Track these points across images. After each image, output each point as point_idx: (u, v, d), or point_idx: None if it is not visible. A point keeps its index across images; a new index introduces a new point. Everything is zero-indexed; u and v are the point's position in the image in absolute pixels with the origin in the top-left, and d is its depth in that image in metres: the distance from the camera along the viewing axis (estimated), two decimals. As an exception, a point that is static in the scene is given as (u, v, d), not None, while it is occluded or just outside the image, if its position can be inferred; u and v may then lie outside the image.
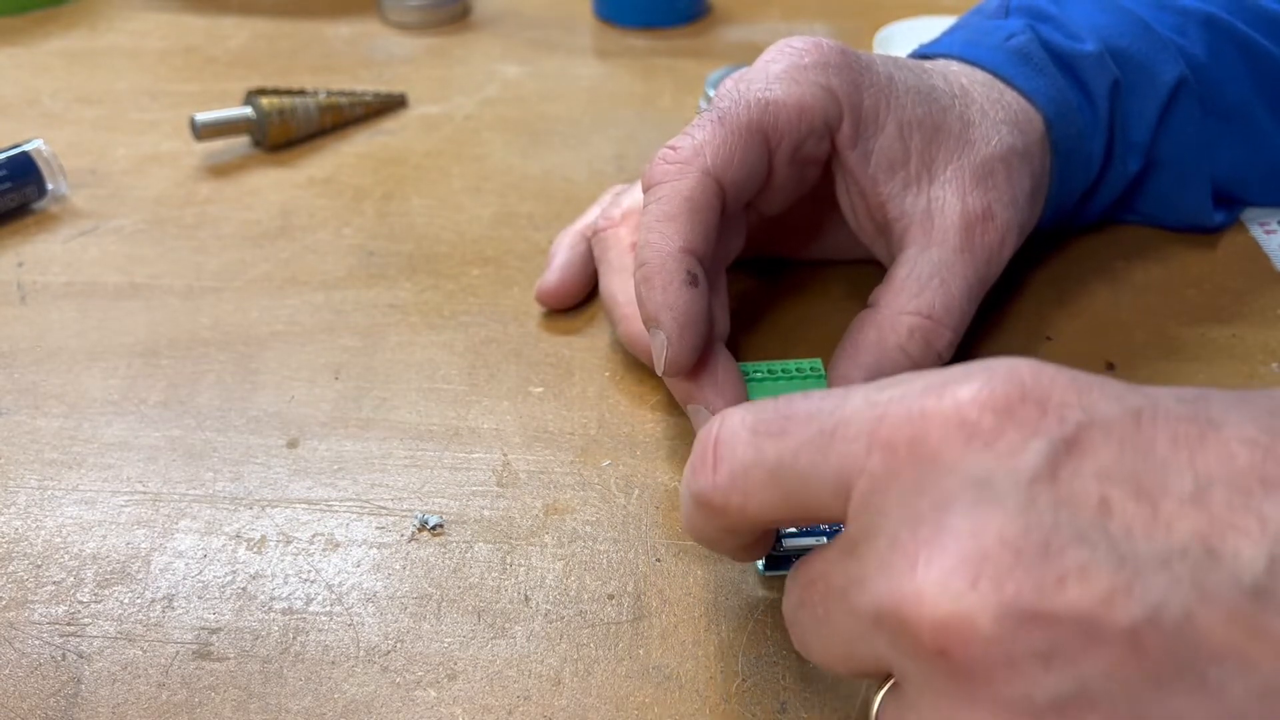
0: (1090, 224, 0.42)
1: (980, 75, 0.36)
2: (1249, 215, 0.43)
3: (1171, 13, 0.39)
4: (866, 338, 0.32)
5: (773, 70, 0.32)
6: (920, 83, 0.34)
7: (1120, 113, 0.38)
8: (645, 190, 0.31)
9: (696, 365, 0.30)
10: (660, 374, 0.30)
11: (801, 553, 0.28)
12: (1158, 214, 0.42)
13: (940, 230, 0.33)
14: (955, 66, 0.37)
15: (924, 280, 0.32)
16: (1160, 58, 0.38)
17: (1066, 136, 0.36)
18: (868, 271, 0.41)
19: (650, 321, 0.30)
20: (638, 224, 0.33)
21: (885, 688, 0.22)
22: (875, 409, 0.20)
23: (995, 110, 0.35)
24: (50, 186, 0.46)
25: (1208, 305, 0.39)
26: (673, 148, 0.31)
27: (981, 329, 0.38)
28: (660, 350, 0.30)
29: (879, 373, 0.31)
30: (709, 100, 0.53)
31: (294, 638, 0.28)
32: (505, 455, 0.34)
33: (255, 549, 0.31)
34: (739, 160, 0.31)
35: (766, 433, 0.22)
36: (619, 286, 0.36)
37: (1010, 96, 0.36)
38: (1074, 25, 0.38)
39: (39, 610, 0.29)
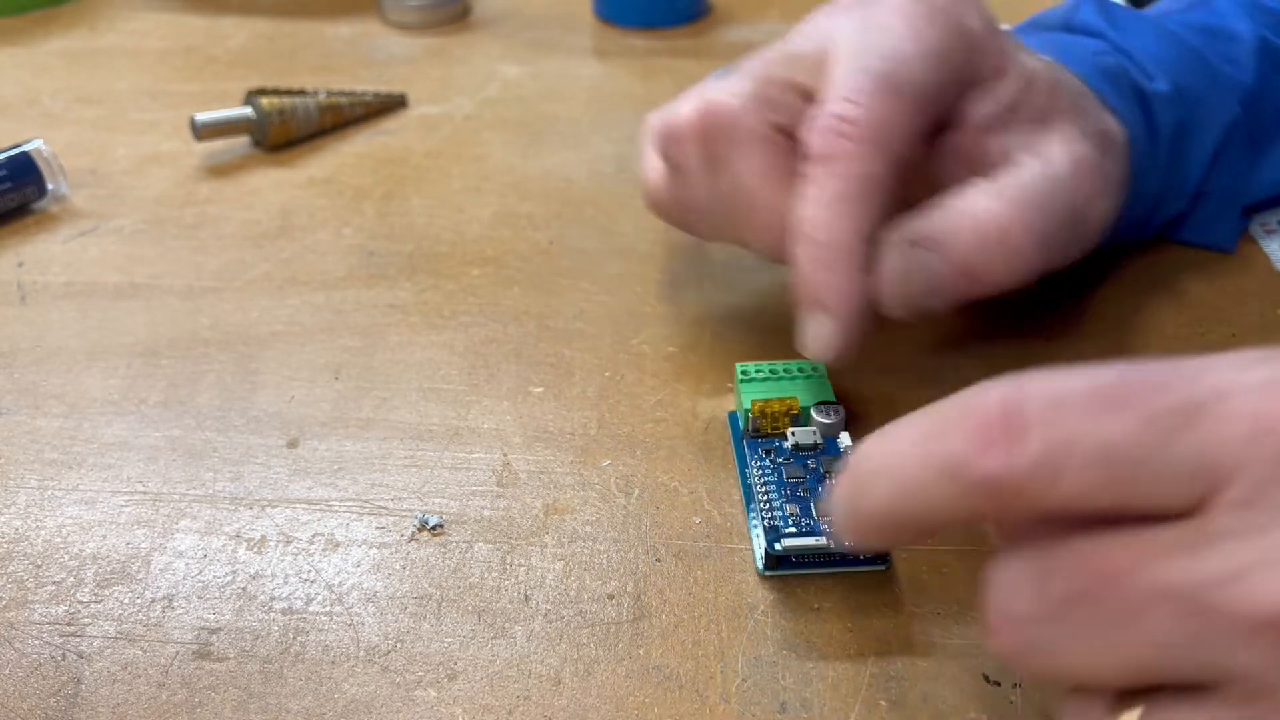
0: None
1: (1074, 74, 0.34)
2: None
3: (1224, 40, 0.38)
4: (935, 223, 0.29)
5: (909, 11, 0.30)
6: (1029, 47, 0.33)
7: (1177, 157, 0.37)
8: (815, 159, 0.29)
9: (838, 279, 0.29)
10: (814, 356, 0.30)
11: (800, 552, 0.28)
12: (1184, 238, 0.41)
13: (1048, 157, 0.30)
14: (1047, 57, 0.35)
15: (1028, 181, 0.30)
16: (1218, 98, 0.37)
17: (1133, 172, 0.35)
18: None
19: (819, 306, 0.29)
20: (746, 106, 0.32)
21: (1136, 711, 0.19)
22: (1259, 391, 0.18)
23: (1095, 102, 0.34)
24: (50, 186, 0.46)
25: (1207, 305, 0.39)
26: (846, 118, 0.29)
27: (982, 329, 0.38)
28: (823, 335, 0.29)
29: (956, 245, 0.29)
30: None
31: (294, 638, 0.28)
32: (505, 455, 0.34)
33: (255, 549, 0.31)
34: (913, 134, 0.30)
35: (1101, 401, 0.18)
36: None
37: (1102, 106, 0.34)
38: (1142, 58, 0.37)
39: (39, 610, 0.29)
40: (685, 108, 0.33)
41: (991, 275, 0.29)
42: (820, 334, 0.29)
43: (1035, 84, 0.31)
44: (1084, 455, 0.18)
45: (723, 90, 0.32)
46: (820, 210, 0.29)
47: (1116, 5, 0.39)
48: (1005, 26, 0.41)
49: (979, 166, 0.31)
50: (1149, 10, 0.42)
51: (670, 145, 0.34)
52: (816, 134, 0.29)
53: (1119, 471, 0.18)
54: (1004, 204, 0.29)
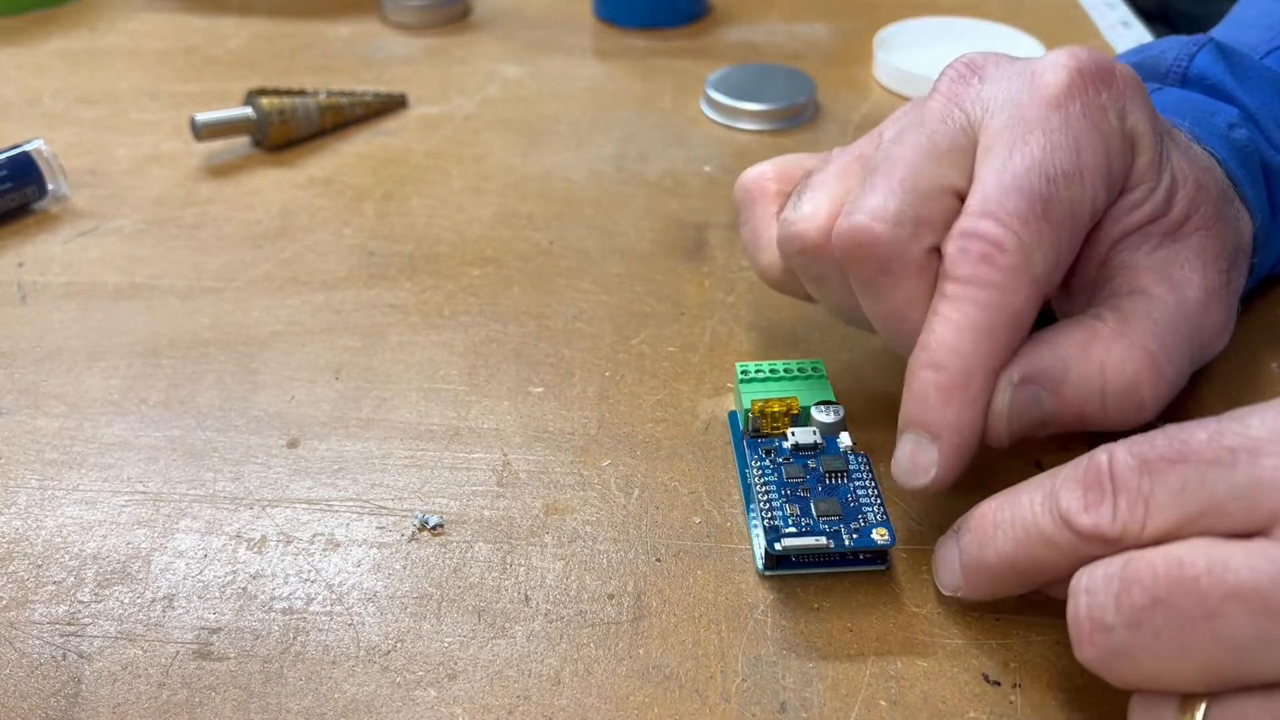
0: None
1: (1213, 157, 0.32)
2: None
3: None
4: (1046, 361, 0.28)
5: (1073, 111, 0.28)
6: (1175, 129, 0.31)
7: (1266, 199, 0.35)
8: (955, 280, 0.27)
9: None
10: (903, 479, 0.28)
11: (800, 552, 0.28)
12: None
13: (1179, 286, 0.29)
14: (1186, 132, 0.32)
15: (1163, 326, 0.28)
16: (1269, 121, 0.35)
17: (1261, 264, 0.34)
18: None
19: (928, 432, 0.27)
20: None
21: (1201, 709, 0.21)
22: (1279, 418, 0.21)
23: (1233, 198, 0.32)
24: (51, 187, 0.46)
25: (1207, 305, 0.39)
26: (995, 244, 0.26)
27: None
28: (923, 460, 0.28)
29: (1074, 389, 0.28)
30: (709, 101, 0.53)
31: (294, 637, 0.28)
32: (505, 455, 0.34)
33: (255, 549, 0.31)
34: (1064, 262, 0.28)
35: (1162, 459, 0.22)
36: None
37: (1236, 197, 0.32)
38: (1268, 122, 0.35)
39: (39, 610, 0.29)
40: (818, 217, 0.30)
41: (1109, 423, 0.28)
42: (920, 458, 0.28)
43: (1179, 193, 0.29)
44: (1161, 500, 0.22)
45: (872, 214, 0.28)
46: (954, 336, 0.27)
47: (1233, 50, 0.36)
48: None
49: (1105, 279, 0.30)
50: (1242, 32, 0.39)
51: (799, 258, 0.31)
52: (959, 253, 0.27)
53: (1189, 510, 0.22)
54: (1139, 354, 0.28)
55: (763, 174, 0.34)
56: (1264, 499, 0.21)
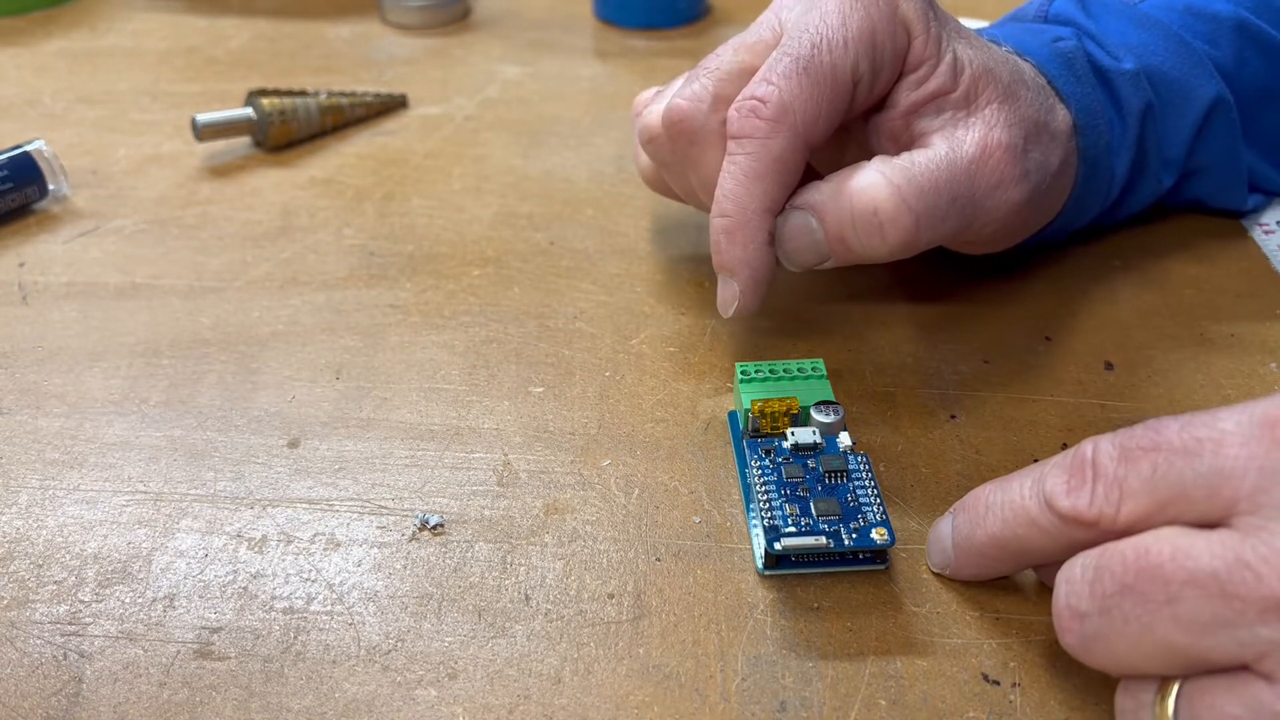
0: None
1: (1029, 64, 0.36)
2: (1248, 216, 0.44)
3: (1204, 20, 0.40)
4: (822, 193, 0.32)
5: (847, 1, 0.32)
6: (978, 35, 0.35)
7: (1153, 133, 0.38)
8: (732, 137, 0.32)
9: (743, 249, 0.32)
10: (725, 313, 0.34)
11: (799, 552, 0.28)
12: (1189, 206, 0.43)
13: (958, 140, 0.32)
14: (1009, 49, 0.37)
15: (920, 166, 0.32)
16: (1196, 75, 0.38)
17: (1093, 146, 0.36)
18: (868, 271, 0.41)
19: (725, 271, 0.33)
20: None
21: (1174, 690, 0.23)
22: (1251, 415, 0.22)
23: (1042, 93, 0.35)
24: (51, 187, 0.46)
25: (1206, 305, 0.39)
26: (761, 99, 0.31)
27: (981, 329, 0.38)
28: (731, 297, 0.33)
29: (832, 215, 0.32)
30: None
31: (295, 637, 0.28)
32: (505, 455, 0.34)
33: (256, 548, 0.31)
34: (825, 115, 0.32)
35: (1138, 448, 0.24)
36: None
37: (1052, 94, 0.36)
38: (1112, 42, 0.38)
39: (40, 609, 0.29)
40: (656, 110, 0.36)
41: (860, 247, 0.32)
42: (726, 294, 0.33)
43: (964, 72, 0.33)
44: (1133, 487, 0.23)
45: (684, 95, 0.34)
46: (731, 185, 0.32)
47: None
48: (981, 24, 0.42)
49: (902, 147, 0.34)
50: None
51: (647, 144, 0.37)
52: (734, 113, 0.32)
53: (1159, 496, 0.23)
54: (883, 181, 0.31)
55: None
56: (1225, 486, 0.22)
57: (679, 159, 0.36)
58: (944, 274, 0.41)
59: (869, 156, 0.33)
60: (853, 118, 0.34)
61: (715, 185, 0.34)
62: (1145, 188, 0.40)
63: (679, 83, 0.37)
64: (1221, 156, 0.40)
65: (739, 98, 0.32)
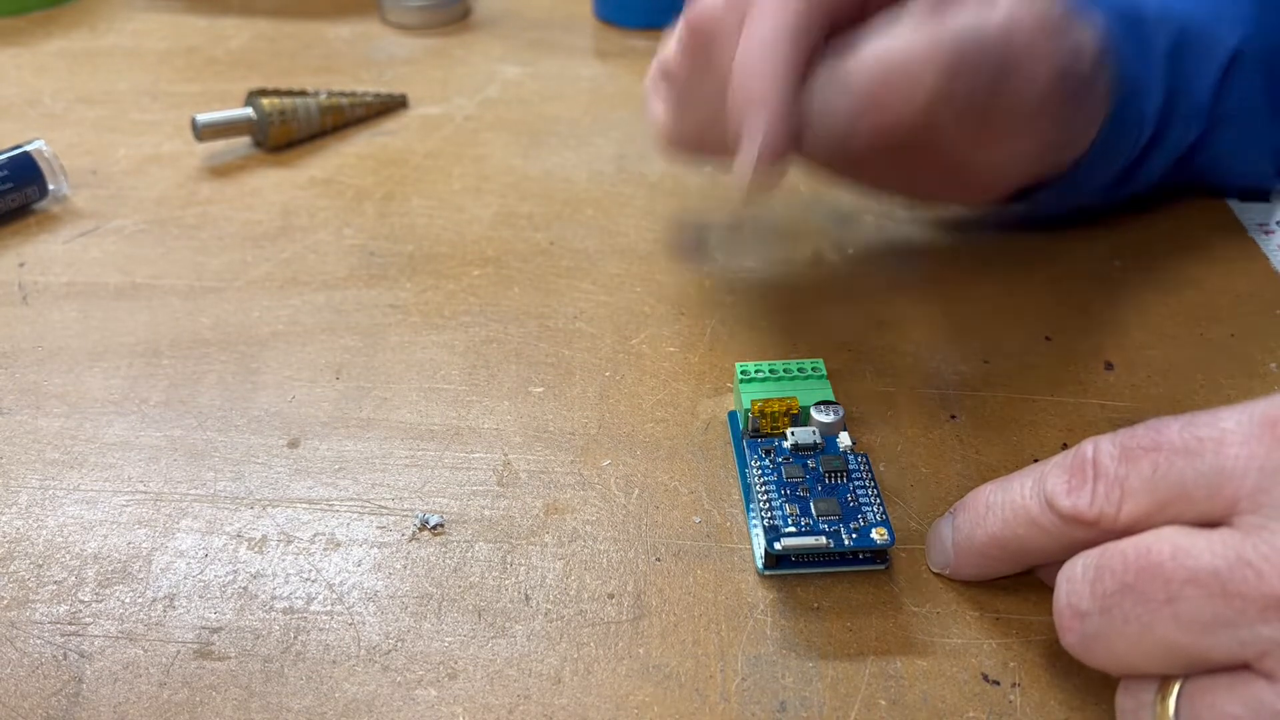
0: (1146, 191, 0.41)
1: None
2: (1248, 216, 0.44)
3: None
4: (853, 53, 0.30)
5: None
6: None
7: (1180, 76, 0.37)
8: (748, 10, 0.31)
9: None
10: (738, 185, 0.31)
11: (799, 552, 0.28)
12: (1215, 175, 0.42)
13: (990, 3, 0.31)
14: None
15: (952, 11, 0.30)
16: (1220, 20, 0.38)
17: (1121, 83, 0.35)
18: (867, 271, 0.41)
19: (746, 112, 0.31)
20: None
21: (1174, 690, 0.23)
22: (1252, 414, 0.22)
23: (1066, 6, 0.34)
24: (51, 187, 0.46)
25: (1206, 305, 0.39)
26: None
27: (981, 329, 0.38)
28: (746, 162, 0.31)
29: (864, 63, 0.30)
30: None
31: (295, 637, 0.28)
32: (505, 455, 0.34)
33: (256, 548, 0.31)
34: None
35: (1139, 447, 0.24)
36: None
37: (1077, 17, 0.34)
38: None
39: (40, 609, 0.29)
40: (667, 44, 0.35)
41: (894, 100, 0.30)
42: (744, 162, 0.31)
43: None
44: (1134, 486, 0.23)
45: (699, 3, 0.33)
46: (750, 52, 0.31)
47: None
48: None
49: None
50: None
51: (669, 73, 0.36)
52: None
53: (1160, 495, 0.23)
54: (913, 33, 0.30)
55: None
56: (1226, 485, 0.22)
57: (700, 69, 0.34)
58: (944, 274, 0.41)
59: None
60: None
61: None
62: (1173, 136, 0.39)
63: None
64: (1247, 107, 0.39)
65: None
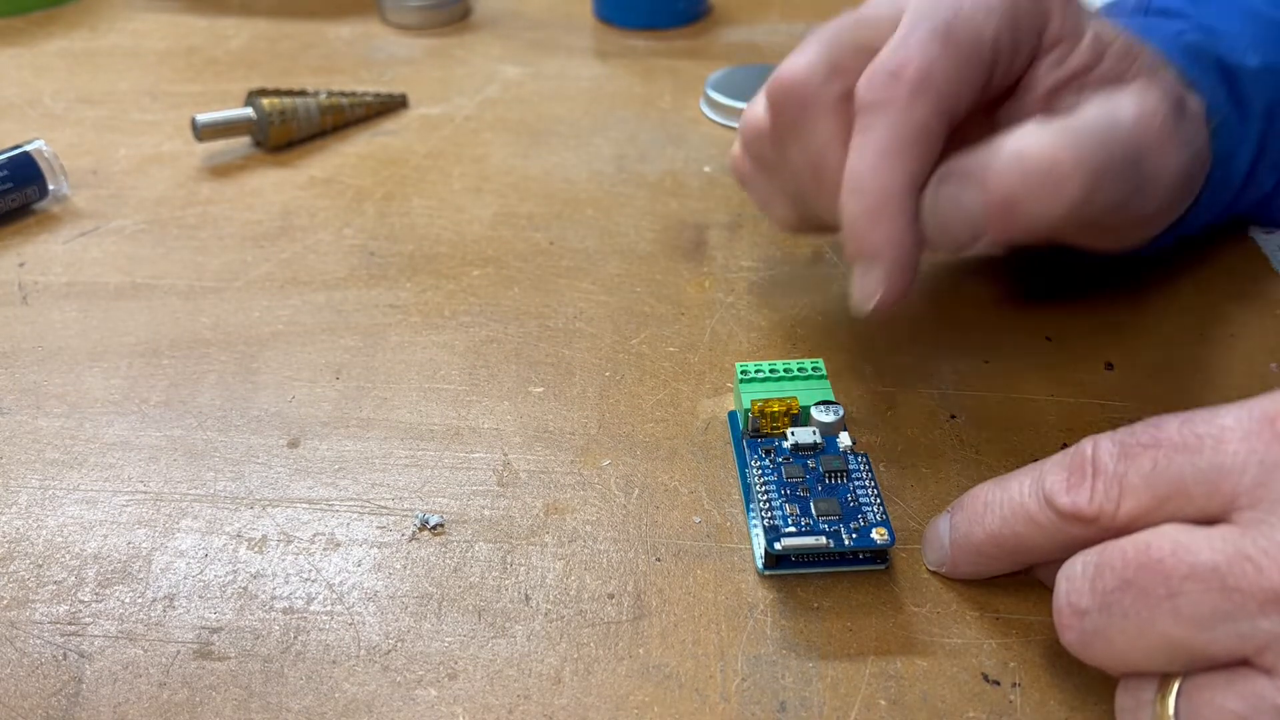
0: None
1: (1151, 48, 0.33)
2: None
3: None
4: (978, 159, 0.28)
5: None
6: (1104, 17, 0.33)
7: (1272, 133, 0.37)
8: (864, 108, 0.29)
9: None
10: (865, 308, 0.30)
11: (799, 552, 0.28)
12: (1274, 211, 0.42)
13: (1114, 103, 0.29)
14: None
15: (1086, 124, 0.28)
16: None
17: (1221, 146, 0.35)
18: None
19: (866, 256, 0.29)
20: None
21: (1174, 687, 0.23)
22: (1250, 411, 0.23)
23: (1174, 72, 0.33)
24: (52, 187, 0.46)
25: (1207, 305, 0.39)
26: (898, 64, 0.28)
27: (981, 329, 0.38)
28: (873, 288, 0.29)
29: (997, 176, 0.28)
30: (709, 101, 0.53)
31: (295, 637, 0.28)
32: (505, 455, 0.34)
33: (256, 548, 0.31)
34: (967, 87, 0.29)
35: (1138, 444, 0.24)
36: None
37: (1183, 82, 0.33)
38: (1229, 35, 0.36)
39: (40, 609, 0.29)
40: (756, 102, 0.33)
41: (1035, 206, 0.28)
42: (867, 284, 0.29)
43: (1109, 49, 0.31)
44: (1133, 484, 0.23)
45: (794, 62, 0.31)
46: (867, 160, 0.29)
47: None
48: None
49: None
50: None
51: (751, 141, 0.34)
52: (865, 82, 0.29)
53: (1159, 492, 0.23)
54: (1053, 135, 0.28)
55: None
56: (1224, 482, 0.22)
57: (785, 137, 0.32)
58: (944, 274, 0.41)
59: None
60: (981, 107, 0.31)
61: (826, 165, 0.31)
62: (1251, 190, 0.38)
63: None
64: None
65: (870, 68, 0.29)
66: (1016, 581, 0.29)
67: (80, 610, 0.29)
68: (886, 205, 0.29)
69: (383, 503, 0.32)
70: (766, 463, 0.31)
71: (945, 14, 0.29)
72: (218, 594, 0.29)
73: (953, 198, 0.29)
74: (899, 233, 0.29)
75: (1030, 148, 0.28)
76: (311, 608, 0.29)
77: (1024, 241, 0.29)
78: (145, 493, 0.32)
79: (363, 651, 0.28)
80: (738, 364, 0.34)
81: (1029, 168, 0.27)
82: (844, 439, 0.31)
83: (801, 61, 0.31)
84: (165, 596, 0.29)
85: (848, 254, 0.30)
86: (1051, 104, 0.31)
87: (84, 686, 0.27)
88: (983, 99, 0.30)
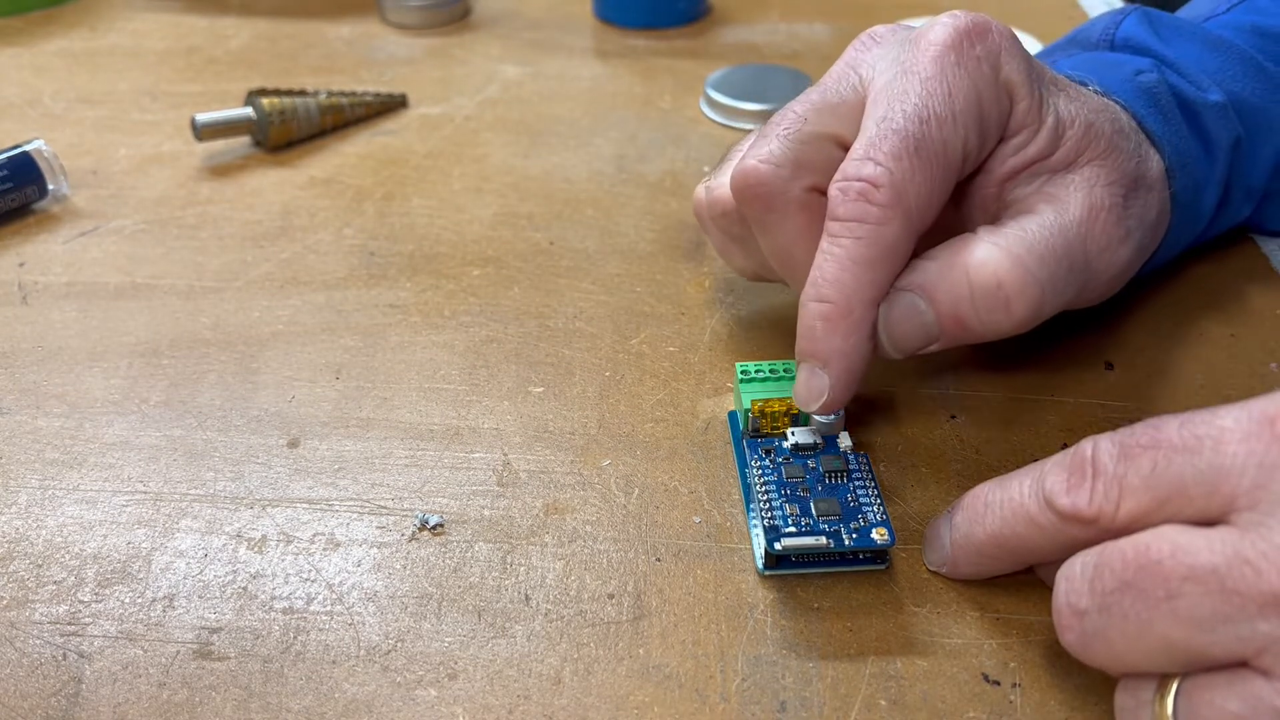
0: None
1: (1117, 105, 0.34)
2: (1248, 215, 0.44)
3: (1274, 41, 0.38)
4: (928, 272, 0.30)
5: (947, 60, 0.30)
6: (1068, 80, 0.33)
7: (1239, 165, 0.37)
8: (836, 218, 0.29)
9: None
10: (802, 405, 0.31)
11: (799, 552, 0.28)
12: (1253, 229, 0.42)
13: (1063, 204, 0.30)
14: (1094, 87, 0.35)
15: (1033, 233, 0.29)
16: (1276, 102, 0.37)
17: (1185, 189, 0.35)
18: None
19: (816, 360, 0.30)
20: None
21: (1173, 688, 0.23)
22: (1250, 412, 0.23)
23: (1135, 138, 0.33)
24: (51, 187, 0.46)
25: (1207, 305, 0.39)
26: (872, 182, 0.29)
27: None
28: (819, 390, 0.30)
29: (946, 293, 0.29)
30: (709, 101, 0.53)
31: (295, 637, 0.28)
32: (505, 455, 0.34)
33: (256, 548, 0.31)
34: (938, 197, 0.29)
35: (1138, 445, 0.24)
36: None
37: (1142, 136, 0.34)
38: (1192, 69, 0.36)
39: (40, 610, 0.29)
40: (727, 180, 0.34)
41: (981, 325, 0.29)
42: (814, 386, 0.30)
43: (1065, 133, 0.31)
44: (1133, 484, 0.24)
45: (759, 155, 0.32)
46: (835, 270, 0.29)
47: (1161, 15, 0.39)
48: (1033, 42, 0.40)
49: (999, 214, 0.31)
50: (1193, 10, 0.41)
51: (717, 220, 0.35)
52: (839, 193, 0.29)
53: (1159, 493, 0.23)
54: (1001, 253, 0.29)
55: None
56: (1224, 483, 0.22)
57: (751, 226, 0.33)
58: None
59: (952, 225, 0.31)
60: None
61: (790, 256, 0.32)
62: (1224, 219, 0.39)
63: (745, 140, 0.34)
64: None
65: (842, 175, 0.29)
66: (1016, 581, 0.29)
67: (80, 610, 0.29)
68: (847, 317, 0.29)
69: (382, 503, 0.32)
70: (766, 463, 0.31)
71: (914, 125, 0.29)
72: (217, 594, 0.29)
73: (906, 310, 0.30)
74: (854, 345, 0.29)
75: (979, 269, 0.29)
76: (311, 608, 0.29)
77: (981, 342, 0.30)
78: (145, 493, 0.32)
79: (362, 651, 0.28)
80: (738, 364, 0.34)
81: (977, 289, 0.29)
82: (844, 439, 0.31)
83: (764, 154, 0.31)
84: (165, 596, 0.29)
85: (798, 351, 0.30)
86: (1006, 188, 0.31)
87: (84, 687, 0.27)
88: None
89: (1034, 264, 0.29)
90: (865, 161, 0.29)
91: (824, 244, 0.30)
